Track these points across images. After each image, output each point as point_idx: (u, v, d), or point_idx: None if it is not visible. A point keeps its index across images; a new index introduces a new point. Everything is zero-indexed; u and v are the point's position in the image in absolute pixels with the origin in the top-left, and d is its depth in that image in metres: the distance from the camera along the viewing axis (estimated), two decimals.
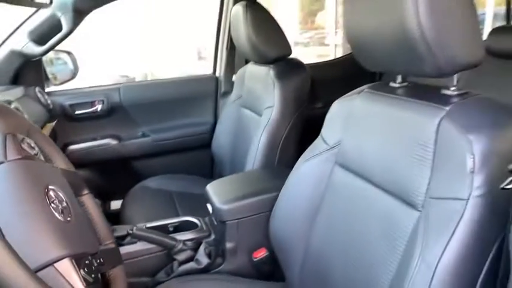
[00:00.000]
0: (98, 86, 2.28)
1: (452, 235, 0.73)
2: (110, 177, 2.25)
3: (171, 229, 1.45)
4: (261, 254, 1.38)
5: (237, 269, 1.38)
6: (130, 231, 1.28)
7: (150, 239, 1.31)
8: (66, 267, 0.67)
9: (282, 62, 1.78)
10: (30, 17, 1.80)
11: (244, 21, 1.72)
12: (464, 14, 0.81)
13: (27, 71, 1.92)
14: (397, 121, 0.94)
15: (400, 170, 0.90)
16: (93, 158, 2.15)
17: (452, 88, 0.87)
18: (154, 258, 1.35)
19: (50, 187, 0.76)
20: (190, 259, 1.35)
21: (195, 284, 1.28)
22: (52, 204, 0.73)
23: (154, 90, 2.37)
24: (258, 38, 1.72)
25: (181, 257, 1.34)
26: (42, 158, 0.85)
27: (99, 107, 2.18)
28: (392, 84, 1.05)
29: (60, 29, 1.76)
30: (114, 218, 1.83)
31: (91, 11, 1.81)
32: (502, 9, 3.26)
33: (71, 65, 2.10)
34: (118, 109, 2.24)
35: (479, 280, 0.75)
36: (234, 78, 2.28)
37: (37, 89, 1.90)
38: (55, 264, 0.65)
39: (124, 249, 1.29)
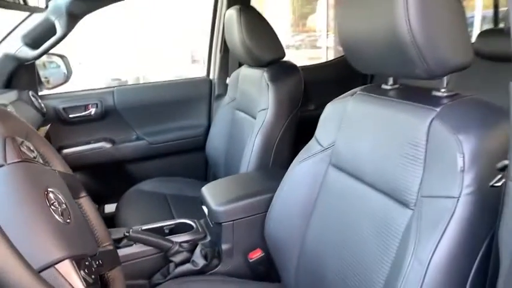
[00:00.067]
0: (91, 89, 2.28)
1: (444, 232, 0.75)
2: (104, 180, 2.25)
3: (166, 231, 1.45)
4: (257, 255, 1.40)
5: (233, 270, 1.39)
6: (127, 234, 1.29)
7: (147, 241, 1.32)
8: (66, 268, 0.67)
9: (276, 64, 1.80)
10: (24, 20, 1.80)
11: (238, 25, 1.73)
12: (453, 18, 0.83)
13: (21, 74, 1.93)
14: (389, 122, 0.96)
15: (393, 169, 0.92)
16: (87, 162, 2.15)
17: (443, 90, 0.90)
18: (150, 260, 1.35)
19: (50, 189, 0.77)
20: (187, 261, 1.35)
21: (191, 285, 1.28)
22: (52, 207, 0.74)
23: (148, 93, 2.37)
24: (252, 42, 1.73)
25: (177, 258, 1.34)
26: (41, 160, 0.86)
27: (93, 111, 2.18)
28: (384, 86, 1.07)
29: (53, 32, 1.76)
30: (108, 222, 1.82)
31: (85, 15, 1.82)
32: (490, 12, 3.31)
33: (64, 69, 2.10)
34: (112, 112, 2.24)
35: (471, 276, 0.77)
36: (227, 81, 2.29)
37: (30, 92, 1.90)
38: (56, 266, 0.66)
39: (121, 252, 1.29)
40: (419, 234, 0.80)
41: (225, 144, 2.06)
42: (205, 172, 2.48)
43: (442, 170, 0.79)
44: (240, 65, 2.17)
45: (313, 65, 3.00)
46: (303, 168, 1.21)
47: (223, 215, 1.35)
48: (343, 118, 1.12)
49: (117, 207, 1.96)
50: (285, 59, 1.85)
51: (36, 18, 1.78)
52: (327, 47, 9.17)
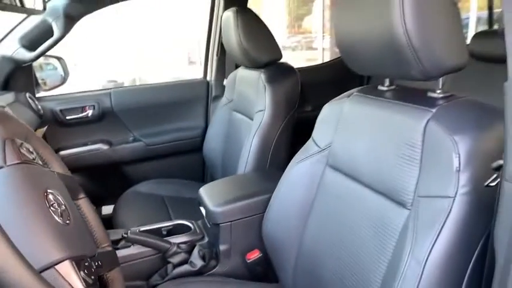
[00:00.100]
0: (88, 91, 2.28)
1: (440, 231, 0.76)
2: (101, 182, 2.26)
3: (164, 232, 1.45)
4: (255, 255, 1.40)
5: (231, 270, 1.40)
6: (125, 235, 1.29)
7: (145, 242, 1.32)
8: (66, 269, 0.68)
9: (273, 66, 1.80)
10: (21, 22, 1.80)
11: (235, 26, 1.74)
12: (448, 20, 0.84)
13: (18, 76, 1.93)
14: (385, 123, 0.97)
15: (390, 170, 0.93)
16: (84, 163, 2.15)
17: (438, 91, 0.91)
18: (148, 262, 1.36)
19: (49, 191, 0.78)
20: (185, 262, 1.36)
21: (189, 286, 1.29)
22: (51, 208, 0.75)
23: (146, 94, 2.38)
24: (249, 44, 1.74)
25: (175, 259, 1.35)
26: (40, 162, 0.86)
27: (90, 112, 2.18)
28: (380, 87, 1.08)
29: (51, 34, 1.77)
30: (105, 223, 1.82)
31: (82, 17, 1.83)
32: (485, 13, 3.33)
33: (61, 71, 2.10)
34: (109, 114, 2.24)
35: (467, 274, 0.78)
36: (224, 82, 2.30)
37: (28, 94, 1.90)
38: (56, 266, 0.67)
39: (119, 253, 1.29)
40: (416, 233, 0.81)
41: (222, 145, 2.07)
42: (203, 173, 2.48)
43: (438, 170, 0.80)
44: (237, 66, 2.17)
45: (309, 66, 3.01)
46: (300, 169, 1.21)
47: (221, 216, 1.36)
48: (340, 119, 1.13)
49: (114, 209, 1.96)
50: (281, 60, 1.85)
51: (34, 20, 1.78)
52: (323, 49, 9.19)
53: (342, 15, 1.00)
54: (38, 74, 2.07)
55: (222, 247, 1.38)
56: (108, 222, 1.88)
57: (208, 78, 2.47)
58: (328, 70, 2.85)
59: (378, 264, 0.92)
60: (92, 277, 0.74)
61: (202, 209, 1.44)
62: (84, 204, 0.97)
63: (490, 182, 0.71)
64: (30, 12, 1.29)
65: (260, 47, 1.77)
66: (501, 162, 0.66)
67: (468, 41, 2.21)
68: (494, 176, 0.71)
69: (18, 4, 1.03)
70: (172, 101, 2.37)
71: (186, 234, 1.43)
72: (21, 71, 1.93)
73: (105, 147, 2.21)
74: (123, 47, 8.16)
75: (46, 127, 1.96)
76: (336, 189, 1.11)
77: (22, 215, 0.70)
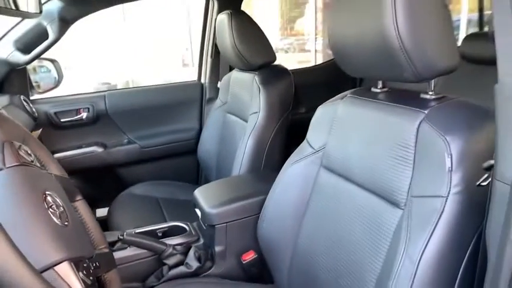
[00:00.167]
0: (83, 94, 2.28)
1: (433, 230, 0.78)
2: (96, 184, 2.25)
3: (160, 234, 1.46)
4: (250, 256, 1.41)
5: (227, 272, 1.40)
6: (121, 237, 1.29)
7: (141, 244, 1.33)
8: (65, 270, 0.68)
9: (267, 68, 1.82)
10: (16, 25, 1.80)
11: (229, 29, 1.75)
12: (440, 23, 0.85)
13: (12, 79, 1.93)
14: (379, 124, 0.99)
15: (383, 171, 0.94)
16: (79, 166, 2.15)
17: (430, 92, 0.92)
18: (144, 263, 1.36)
19: (47, 192, 0.78)
20: (180, 263, 1.36)
21: (185, 287, 1.30)
22: (50, 209, 0.75)
23: (140, 97, 2.38)
24: (243, 46, 1.75)
25: (171, 261, 1.35)
26: (38, 164, 0.87)
27: (84, 115, 2.18)
28: (373, 89, 1.10)
29: (45, 37, 1.77)
30: (100, 226, 1.83)
31: (77, 20, 1.83)
32: (476, 15, 3.36)
33: (54, 73, 2.10)
34: (103, 116, 2.24)
35: (460, 272, 0.79)
36: (219, 84, 2.31)
37: (22, 97, 1.90)
38: (55, 267, 0.67)
39: (115, 255, 1.29)
40: (410, 233, 0.82)
41: (216, 147, 2.08)
42: (197, 175, 2.49)
43: (431, 171, 0.82)
44: (231, 68, 2.18)
45: (303, 68, 3.03)
46: (295, 170, 1.22)
47: (216, 217, 1.37)
48: (333, 121, 1.15)
49: (109, 211, 1.96)
50: (274, 62, 1.86)
51: (29, 23, 1.78)
52: (316, 50, 9.22)
53: (336, 18, 1.01)
54: (31, 77, 2.07)
55: (217, 248, 1.39)
56: (103, 225, 1.87)
57: (202, 80, 2.47)
58: (322, 72, 2.87)
59: (373, 263, 0.93)
60: (91, 278, 0.75)
61: (197, 210, 1.45)
62: (81, 206, 0.98)
63: (482, 182, 0.73)
64: (29, 16, 1.29)
65: (254, 49, 1.78)
66: (492, 162, 0.67)
67: (459, 43, 2.23)
68: (486, 175, 0.72)
69: (13, 7, 1.03)
70: (166, 103, 2.37)
71: (182, 235, 1.43)
72: (16, 74, 1.93)
73: (99, 149, 2.21)
74: (116, 50, 8.14)
75: (40, 130, 1.96)
76: (330, 190, 1.12)
77: (21, 216, 0.70)
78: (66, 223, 0.77)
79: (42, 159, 0.92)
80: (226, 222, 1.37)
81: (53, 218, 0.74)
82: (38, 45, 1.79)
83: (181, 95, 2.43)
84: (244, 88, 1.88)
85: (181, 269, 1.35)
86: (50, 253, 0.68)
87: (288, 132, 1.80)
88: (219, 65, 2.40)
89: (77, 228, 0.83)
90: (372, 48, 0.90)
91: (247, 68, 1.85)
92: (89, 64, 7.57)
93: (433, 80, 0.91)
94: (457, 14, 6.11)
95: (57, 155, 2.11)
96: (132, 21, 8.33)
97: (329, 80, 2.50)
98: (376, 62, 0.94)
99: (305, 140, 1.25)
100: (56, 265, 0.67)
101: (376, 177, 0.96)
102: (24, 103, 1.87)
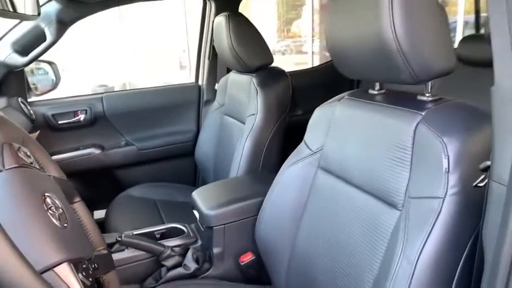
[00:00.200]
0: (80, 96, 2.28)
1: (430, 231, 0.78)
2: (93, 186, 2.25)
3: (158, 236, 1.46)
4: (248, 258, 1.41)
5: (225, 273, 1.40)
6: (119, 239, 1.29)
7: (139, 245, 1.33)
8: (65, 271, 0.68)
9: (264, 70, 1.82)
10: (13, 27, 1.80)
11: (226, 31, 1.76)
12: (437, 25, 0.86)
13: (10, 81, 1.92)
14: (376, 126, 0.99)
15: (381, 172, 0.95)
16: (76, 168, 2.14)
17: (427, 94, 0.93)
18: (142, 265, 1.36)
19: (47, 194, 0.78)
20: (178, 265, 1.36)
21: None
22: (49, 211, 0.75)
23: (138, 99, 2.38)
24: (241, 48, 1.76)
25: (169, 263, 1.35)
26: (37, 166, 0.87)
27: (82, 117, 2.18)
28: (371, 91, 1.10)
29: (43, 39, 1.77)
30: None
31: (74, 22, 1.83)
32: (472, 17, 3.38)
33: (52, 75, 2.10)
34: (101, 118, 2.24)
35: (457, 273, 0.80)
36: (216, 86, 2.32)
37: (20, 99, 1.90)
38: (55, 269, 0.67)
39: (113, 257, 1.30)
40: (407, 234, 0.83)
41: (214, 149, 2.08)
42: (195, 177, 2.49)
43: (428, 172, 0.83)
44: (229, 70, 2.19)
45: (300, 70, 3.03)
46: (293, 172, 1.23)
47: (214, 219, 1.37)
48: (331, 122, 1.15)
49: (106, 213, 1.96)
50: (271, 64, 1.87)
51: (26, 25, 1.78)
52: (313, 52, 9.23)
53: (334, 20, 1.02)
54: (29, 79, 2.06)
55: (215, 250, 1.39)
56: (101, 227, 1.87)
57: (200, 82, 2.48)
58: (319, 74, 2.88)
59: (370, 264, 0.94)
60: (90, 279, 0.75)
61: (195, 212, 1.45)
62: (79, 207, 0.98)
63: (479, 183, 0.73)
64: (27, 18, 1.29)
65: (252, 51, 1.79)
66: (489, 163, 0.68)
67: (456, 45, 2.24)
68: (482, 176, 0.73)
69: (11, 9, 1.03)
70: (164, 105, 2.38)
71: (180, 237, 1.44)
72: (13, 76, 1.93)
73: (97, 151, 2.21)
74: (113, 52, 8.14)
75: (38, 132, 1.95)
76: (328, 191, 1.13)
77: (21, 217, 0.70)
78: (65, 225, 0.78)
79: (41, 161, 0.93)
80: (224, 224, 1.37)
81: (52, 219, 0.74)
82: (35, 48, 1.79)
83: (179, 97, 2.43)
84: (241, 90, 1.88)
85: (180, 270, 1.36)
86: (49, 254, 0.68)
87: (285, 134, 1.80)
88: (216, 67, 2.40)
89: (76, 229, 0.83)
90: (369, 50, 0.91)
91: (245, 70, 1.85)
92: (85, 66, 7.56)
93: (430, 82, 0.92)
94: (454, 16, 6.13)
95: (54, 157, 2.10)
96: (128, 23, 8.32)
97: (326, 82, 2.50)
98: (374, 64, 0.94)
99: (303, 142, 1.25)
100: (55, 266, 0.67)
101: (373, 178, 0.97)
102: (22, 105, 1.87)
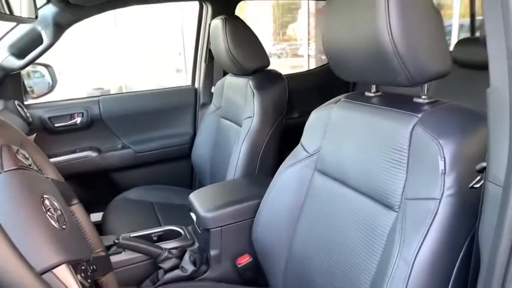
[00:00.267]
0: (77, 99, 2.28)
1: (427, 232, 0.79)
2: (90, 189, 2.25)
3: (155, 238, 1.46)
4: (245, 260, 1.41)
5: (222, 275, 1.41)
6: (116, 241, 1.29)
7: (136, 248, 1.33)
8: (64, 272, 0.69)
9: (261, 73, 1.83)
10: (10, 30, 1.80)
11: (223, 34, 1.76)
12: (432, 28, 0.87)
13: (6, 84, 1.92)
14: (373, 128, 1.00)
15: (377, 174, 0.95)
16: (73, 171, 2.14)
17: (423, 96, 0.94)
18: (140, 267, 1.36)
19: (45, 196, 0.79)
20: (176, 267, 1.36)
21: None
22: (48, 213, 0.75)
23: (134, 102, 2.38)
24: (237, 51, 1.76)
25: (166, 265, 1.35)
26: (35, 168, 0.87)
27: (78, 120, 2.18)
28: (367, 93, 1.11)
29: (39, 42, 1.77)
30: None
31: (71, 25, 1.84)
32: (467, 20, 3.40)
33: (48, 78, 2.10)
34: (98, 121, 2.24)
35: (453, 273, 0.81)
36: (213, 89, 2.32)
37: (16, 102, 1.90)
38: (54, 270, 0.67)
39: (110, 259, 1.30)
40: (404, 235, 0.83)
41: (210, 152, 2.08)
42: (191, 180, 2.49)
43: (424, 173, 0.83)
44: (225, 73, 2.19)
45: (297, 73, 3.04)
46: (290, 174, 1.23)
47: (212, 221, 1.37)
48: (327, 125, 1.16)
49: (103, 216, 1.96)
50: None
51: (23, 28, 1.79)
52: (309, 55, 9.25)
53: (330, 23, 1.03)
54: (25, 82, 2.06)
55: (212, 252, 1.39)
56: (98, 229, 1.87)
57: (196, 85, 2.48)
58: (315, 77, 2.89)
59: (367, 266, 0.94)
60: (88, 281, 0.75)
61: (192, 214, 1.45)
62: (77, 210, 0.98)
63: (475, 184, 0.74)
64: (24, 21, 1.30)
65: (248, 54, 1.80)
66: (484, 164, 0.69)
67: (451, 48, 2.25)
68: (478, 177, 0.73)
69: (8, 12, 1.04)
70: (160, 108, 2.38)
71: (177, 239, 1.44)
72: (10, 79, 1.92)
73: (93, 154, 2.21)
74: (108, 55, 8.13)
75: (35, 135, 1.95)
76: (324, 193, 1.13)
77: (20, 219, 0.70)
78: (64, 226, 0.78)
79: (39, 163, 0.93)
80: (221, 226, 1.37)
81: (51, 221, 0.75)
82: (32, 50, 1.80)
83: (175, 100, 2.44)
84: (238, 93, 1.89)
85: (177, 272, 1.35)
86: (48, 256, 0.69)
87: (282, 137, 1.81)
88: (213, 69, 2.41)
89: (74, 231, 0.83)
90: (365, 52, 0.92)
91: (241, 72, 1.86)
92: (82, 69, 7.55)
93: (426, 84, 0.92)
94: (449, 19, 6.17)
95: (51, 160, 2.09)
96: (124, 26, 8.33)
97: (322, 85, 2.51)
98: (370, 67, 0.95)
99: (299, 144, 1.26)
100: (54, 267, 0.68)
101: (370, 180, 0.97)
102: (19, 108, 1.87)
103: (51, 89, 2.11)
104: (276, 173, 1.29)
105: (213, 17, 2.07)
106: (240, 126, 1.80)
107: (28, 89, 2.08)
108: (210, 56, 2.31)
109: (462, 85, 1.92)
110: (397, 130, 0.92)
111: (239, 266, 1.41)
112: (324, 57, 1.12)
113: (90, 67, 7.75)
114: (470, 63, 2.11)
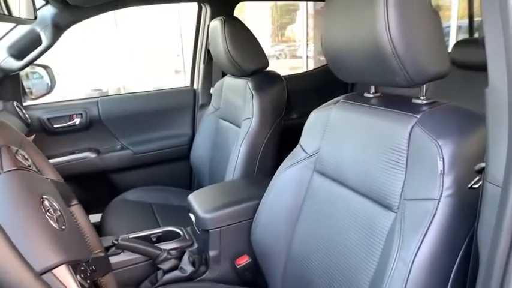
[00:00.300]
0: (76, 100, 2.28)
1: (426, 233, 0.79)
2: (89, 190, 2.24)
3: (154, 239, 1.46)
4: (244, 261, 1.41)
5: (221, 276, 1.41)
6: (116, 242, 1.29)
7: (135, 248, 1.33)
8: (63, 273, 0.69)
9: (260, 74, 1.83)
10: (9, 31, 1.80)
11: (222, 35, 1.77)
12: (431, 29, 0.87)
13: (5, 85, 1.92)
14: (372, 129, 1.00)
15: (376, 174, 0.95)
16: (72, 172, 2.14)
17: (422, 97, 0.94)
18: (139, 268, 1.36)
19: (45, 197, 0.79)
20: (175, 268, 1.36)
21: None
22: (47, 213, 0.76)
23: (133, 103, 2.38)
24: (236, 52, 1.76)
25: (165, 266, 1.35)
26: (35, 169, 0.87)
27: (77, 121, 2.18)
28: (366, 94, 1.11)
29: (38, 43, 1.77)
30: None
31: (70, 26, 1.84)
32: (466, 22, 3.41)
33: (47, 79, 2.09)
34: (96, 122, 2.24)
35: (452, 273, 0.81)
36: (211, 90, 2.32)
37: (15, 103, 1.90)
38: (53, 270, 0.67)
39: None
40: (403, 236, 0.83)
41: (209, 153, 2.08)
42: (190, 181, 2.49)
43: (423, 174, 0.83)
44: (224, 74, 2.19)
45: (295, 74, 3.05)
46: (289, 175, 1.23)
47: (211, 222, 1.37)
48: (326, 126, 1.16)
49: (102, 217, 1.96)
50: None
51: (22, 29, 1.79)
52: (307, 57, 9.26)
53: (329, 24, 1.03)
54: (24, 83, 2.06)
55: (211, 253, 1.39)
56: (97, 230, 1.87)
57: (195, 86, 2.48)
58: (313, 78, 2.89)
59: (366, 266, 0.94)
60: (88, 281, 0.75)
61: (191, 215, 1.45)
62: (76, 210, 0.98)
63: (473, 184, 0.74)
64: (21, 21, 1.30)
65: (247, 55, 1.80)
66: (483, 164, 0.69)
67: (450, 49, 2.25)
68: (477, 178, 0.73)
69: (7, 13, 1.04)
70: (159, 109, 2.38)
71: (176, 240, 1.43)
72: (9, 80, 1.93)
73: (92, 155, 2.21)
74: (107, 56, 8.13)
75: (33, 136, 1.95)
76: (323, 194, 1.13)
77: (19, 219, 0.70)
78: (63, 227, 0.78)
79: (38, 164, 0.93)
80: (220, 227, 1.37)
81: (50, 221, 0.75)
82: (31, 52, 1.80)
83: (174, 101, 2.44)
84: (237, 94, 1.89)
85: (176, 273, 1.35)
86: (48, 256, 0.69)
87: (280, 138, 1.81)
88: (211, 71, 2.41)
89: (73, 232, 0.83)
90: (364, 53, 0.92)
91: (240, 73, 1.86)
92: (80, 70, 7.55)
93: (424, 85, 0.93)
94: (447, 20, 6.18)
95: (50, 161, 2.09)
96: (123, 27, 8.32)
97: (321, 86, 2.52)
98: (369, 67, 0.95)
99: (298, 145, 1.26)
100: (54, 268, 0.68)
101: (369, 181, 0.98)
102: (17, 109, 1.87)
103: (49, 90, 2.11)
104: (275, 174, 1.29)
105: (212, 18, 2.08)
106: (239, 127, 1.80)
107: (27, 90, 2.08)
108: (208, 57, 2.30)
109: (461, 86, 1.93)
110: (396, 131, 0.92)
111: (238, 266, 1.41)
112: (322, 58, 1.12)
113: (89, 68, 7.74)
114: (469, 65, 2.11)
